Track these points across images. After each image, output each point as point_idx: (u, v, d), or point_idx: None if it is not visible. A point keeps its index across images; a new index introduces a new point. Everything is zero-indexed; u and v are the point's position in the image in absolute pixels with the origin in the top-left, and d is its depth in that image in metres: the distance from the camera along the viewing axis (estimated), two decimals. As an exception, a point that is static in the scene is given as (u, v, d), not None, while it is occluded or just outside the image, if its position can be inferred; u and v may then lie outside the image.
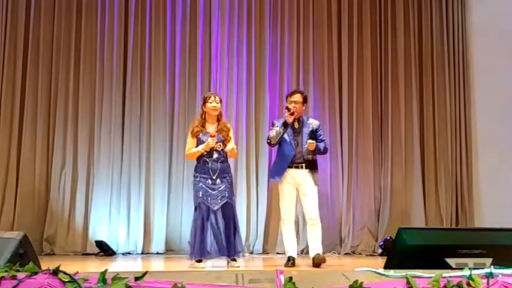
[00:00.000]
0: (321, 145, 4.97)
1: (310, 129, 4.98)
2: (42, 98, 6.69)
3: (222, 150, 4.78)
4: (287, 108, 4.87)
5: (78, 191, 6.59)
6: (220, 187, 4.69)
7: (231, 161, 6.69)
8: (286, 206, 4.92)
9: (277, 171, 4.99)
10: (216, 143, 4.72)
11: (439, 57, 7.17)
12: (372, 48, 7.19)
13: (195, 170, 4.83)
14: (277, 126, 4.95)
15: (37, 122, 6.64)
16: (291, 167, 4.88)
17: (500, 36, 6.59)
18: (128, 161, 6.68)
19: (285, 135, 4.91)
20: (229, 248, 4.65)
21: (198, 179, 4.74)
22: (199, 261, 4.65)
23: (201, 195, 4.66)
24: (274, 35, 7.14)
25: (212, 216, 4.63)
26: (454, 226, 6.69)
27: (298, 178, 4.88)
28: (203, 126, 4.84)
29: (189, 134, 4.85)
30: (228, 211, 4.71)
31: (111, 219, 6.57)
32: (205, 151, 4.71)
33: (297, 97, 4.96)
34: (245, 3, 7.11)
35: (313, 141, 4.83)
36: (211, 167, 4.72)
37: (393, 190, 6.93)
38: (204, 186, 4.68)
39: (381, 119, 7.13)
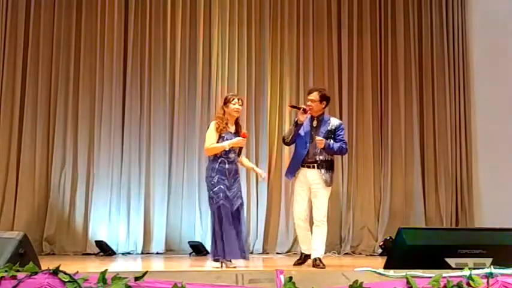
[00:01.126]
0: (336, 145, 4.80)
1: (328, 128, 4.85)
2: (42, 97, 6.69)
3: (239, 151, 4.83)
4: (303, 107, 4.83)
5: (78, 191, 6.59)
6: (234, 188, 4.69)
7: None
8: (296, 205, 4.89)
9: (290, 169, 4.95)
10: None
11: (439, 58, 7.18)
12: (371, 49, 7.19)
13: (212, 170, 4.70)
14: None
15: (37, 122, 6.64)
16: (303, 167, 4.82)
17: (500, 37, 6.60)
18: (127, 161, 6.68)
19: (301, 133, 4.85)
20: (244, 250, 4.66)
21: (216, 180, 4.65)
22: (217, 260, 4.60)
23: (222, 197, 4.60)
24: (274, 35, 7.14)
25: (232, 217, 4.61)
26: (454, 226, 6.69)
27: (309, 178, 4.79)
28: (226, 124, 4.80)
29: (213, 129, 4.75)
30: (242, 212, 4.73)
31: (111, 219, 6.57)
32: (225, 150, 4.68)
33: (313, 95, 4.88)
34: (245, 4, 7.11)
35: (322, 139, 4.70)
36: (228, 168, 4.70)
37: (393, 190, 6.93)
38: (222, 187, 4.63)
39: (381, 119, 7.13)
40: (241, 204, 4.74)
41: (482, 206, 6.76)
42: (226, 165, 4.68)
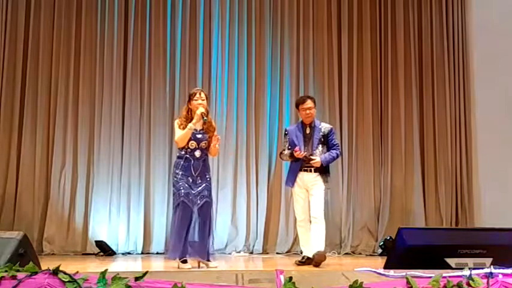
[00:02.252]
0: (330, 156, 5.03)
1: (321, 134, 5.06)
2: (42, 98, 6.68)
3: (204, 124, 4.68)
4: (304, 156, 4.90)
5: (78, 191, 6.59)
6: (200, 186, 4.62)
7: (231, 161, 6.79)
8: (297, 207, 5.06)
9: (290, 177, 5.12)
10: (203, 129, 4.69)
11: (439, 58, 7.17)
12: (371, 49, 7.18)
13: (176, 167, 4.69)
14: (288, 147, 5.08)
15: (37, 122, 6.64)
16: (301, 171, 5.00)
17: (500, 36, 6.59)
18: (127, 161, 6.68)
19: (296, 141, 5.03)
20: (204, 250, 4.60)
21: (179, 177, 4.62)
22: (185, 261, 4.57)
23: (182, 194, 4.55)
24: (274, 35, 7.13)
25: (192, 216, 4.55)
26: (454, 226, 6.69)
27: (307, 181, 4.99)
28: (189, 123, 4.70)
29: (176, 127, 4.72)
30: (206, 211, 4.63)
31: (111, 219, 6.57)
32: (190, 148, 4.62)
33: (310, 103, 5.09)
34: (245, 4, 7.11)
35: (318, 160, 4.89)
36: (194, 164, 4.64)
37: (393, 190, 6.93)
38: (185, 184, 4.58)
39: (381, 119, 7.13)
40: (206, 203, 4.62)
41: (482, 206, 6.75)
42: (192, 162, 4.63)
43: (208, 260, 4.66)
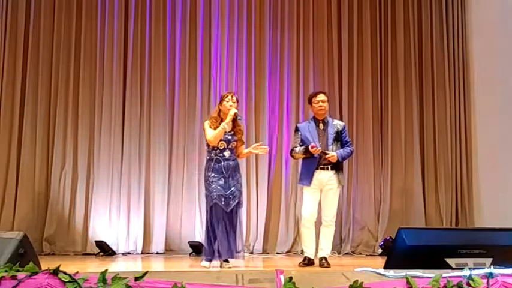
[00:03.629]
0: (345, 152, 4.89)
1: (335, 130, 4.91)
2: (42, 98, 6.68)
3: (238, 125, 4.82)
4: (320, 152, 4.77)
5: (78, 191, 6.59)
6: (232, 187, 4.67)
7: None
8: (307, 207, 4.84)
9: (305, 175, 4.88)
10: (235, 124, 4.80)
11: (439, 58, 7.17)
12: (371, 48, 7.19)
13: (207, 170, 4.74)
14: (299, 144, 4.92)
15: (37, 122, 6.63)
16: (317, 169, 4.82)
17: (500, 36, 6.59)
18: (127, 161, 6.68)
19: (310, 138, 4.85)
20: (233, 250, 4.64)
21: (211, 179, 4.67)
22: (209, 260, 4.60)
23: (215, 196, 4.60)
24: (274, 35, 7.13)
25: (225, 218, 4.59)
26: (454, 226, 6.69)
27: (323, 180, 4.81)
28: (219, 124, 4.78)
29: (207, 127, 4.76)
30: (237, 212, 4.71)
31: (111, 219, 6.57)
32: (219, 148, 4.69)
33: (323, 96, 4.96)
34: (245, 4, 7.11)
35: (334, 154, 4.75)
36: (225, 165, 4.70)
37: (393, 190, 6.93)
38: (218, 186, 4.63)
39: (381, 119, 7.13)
40: (238, 204, 4.70)
41: (482, 206, 6.76)
42: (223, 163, 4.69)
43: (227, 261, 4.65)
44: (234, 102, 4.80)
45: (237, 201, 4.69)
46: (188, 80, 6.92)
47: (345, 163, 6.86)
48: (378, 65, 7.21)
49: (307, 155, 4.83)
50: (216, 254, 4.55)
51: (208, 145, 4.79)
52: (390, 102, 7.09)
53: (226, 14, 7.05)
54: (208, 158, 4.80)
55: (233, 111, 4.72)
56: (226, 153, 4.72)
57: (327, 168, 4.81)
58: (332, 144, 4.85)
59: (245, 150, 4.98)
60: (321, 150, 4.75)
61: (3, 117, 6.57)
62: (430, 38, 7.23)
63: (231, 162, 4.73)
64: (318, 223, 4.99)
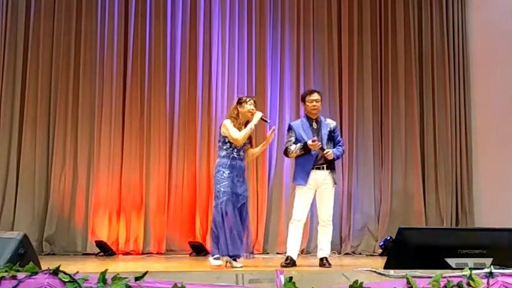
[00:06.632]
0: (339, 151, 4.88)
1: (328, 129, 4.89)
2: (42, 98, 6.68)
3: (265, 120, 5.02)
4: (321, 147, 4.75)
5: (78, 191, 6.59)
6: (241, 187, 4.70)
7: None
8: (300, 206, 4.78)
9: (301, 174, 4.81)
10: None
11: (439, 57, 7.18)
12: (372, 48, 7.19)
13: (222, 166, 4.69)
14: (293, 142, 4.87)
15: (37, 122, 6.63)
16: (313, 169, 4.78)
17: (500, 36, 6.59)
18: (128, 161, 6.68)
19: (304, 137, 4.81)
20: (241, 248, 4.62)
21: (225, 175, 4.65)
22: (218, 258, 4.56)
23: (226, 194, 4.58)
24: (275, 35, 7.14)
25: (234, 215, 4.59)
26: (454, 226, 6.69)
27: (319, 180, 4.78)
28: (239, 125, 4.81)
29: (231, 125, 4.74)
30: (245, 211, 4.72)
31: (111, 219, 6.56)
32: (237, 147, 4.72)
33: (317, 96, 4.92)
34: (245, 4, 7.12)
35: (331, 152, 4.74)
36: (239, 165, 4.72)
37: (393, 190, 6.93)
38: (231, 183, 4.64)
39: (381, 118, 7.13)
40: (244, 203, 4.72)
41: (482, 206, 6.76)
42: (238, 162, 4.71)
43: (235, 260, 4.62)
44: (254, 107, 4.84)
45: (244, 201, 4.71)
46: (188, 80, 6.92)
47: (345, 163, 6.93)
48: (378, 65, 7.22)
49: (305, 151, 4.79)
50: (224, 250, 4.51)
51: (225, 142, 4.74)
52: (390, 102, 7.10)
53: (226, 14, 7.06)
54: (222, 155, 4.73)
55: (259, 113, 4.79)
56: (242, 153, 4.78)
57: (323, 168, 4.79)
58: (327, 143, 4.84)
59: (256, 149, 4.94)
60: (320, 145, 4.74)
61: (3, 117, 6.57)
62: (430, 37, 7.24)
63: (243, 163, 4.78)
64: (316, 224, 4.98)
